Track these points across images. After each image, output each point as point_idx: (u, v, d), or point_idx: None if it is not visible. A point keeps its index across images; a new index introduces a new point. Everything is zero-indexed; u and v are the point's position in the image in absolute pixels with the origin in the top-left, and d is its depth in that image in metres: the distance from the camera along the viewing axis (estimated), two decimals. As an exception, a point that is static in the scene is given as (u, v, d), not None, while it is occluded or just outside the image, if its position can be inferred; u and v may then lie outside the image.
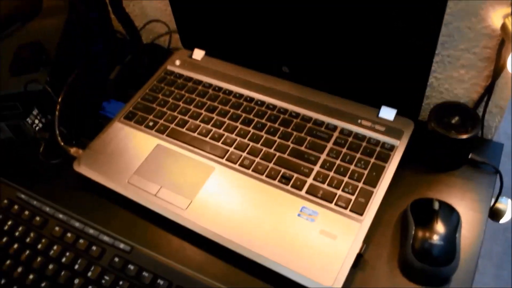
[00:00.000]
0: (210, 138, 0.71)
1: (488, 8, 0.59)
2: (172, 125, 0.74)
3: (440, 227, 0.59)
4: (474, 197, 0.66)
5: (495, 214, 0.75)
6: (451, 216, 0.61)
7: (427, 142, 0.69)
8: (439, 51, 0.66)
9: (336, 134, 0.70)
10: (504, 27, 0.58)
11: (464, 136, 0.64)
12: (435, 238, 0.58)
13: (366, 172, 0.65)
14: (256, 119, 0.73)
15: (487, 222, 0.65)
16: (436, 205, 0.61)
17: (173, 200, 0.65)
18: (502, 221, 0.77)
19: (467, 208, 0.65)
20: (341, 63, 0.69)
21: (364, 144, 0.68)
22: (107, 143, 0.73)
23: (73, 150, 0.73)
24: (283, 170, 0.66)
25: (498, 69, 0.64)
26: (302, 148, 0.68)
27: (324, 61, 0.71)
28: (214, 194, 0.65)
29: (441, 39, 0.65)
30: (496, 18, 0.60)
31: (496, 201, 0.72)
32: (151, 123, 0.75)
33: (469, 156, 0.68)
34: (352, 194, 0.63)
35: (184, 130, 0.73)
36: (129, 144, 0.72)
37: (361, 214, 0.61)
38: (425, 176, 0.69)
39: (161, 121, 0.75)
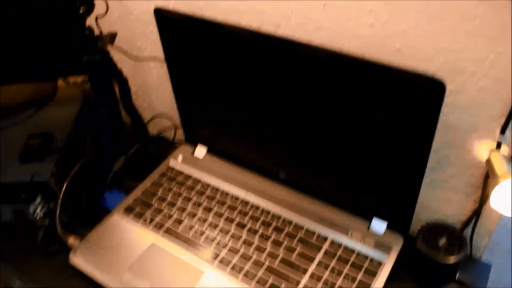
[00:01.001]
0: (203, 241, 0.73)
1: (474, 142, 0.63)
2: (168, 224, 0.76)
3: None
4: (460, 320, 0.66)
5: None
6: None
7: (415, 259, 0.70)
8: (428, 174, 0.69)
9: (326, 245, 0.71)
10: (488, 161, 0.61)
11: (451, 261, 0.65)
12: None
13: (354, 286, 0.66)
14: (249, 224, 0.75)
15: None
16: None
17: (161, 303, 0.66)
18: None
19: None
20: (335, 175, 0.72)
21: (353, 257, 0.69)
22: (104, 235, 0.75)
23: (70, 241, 0.75)
24: (272, 279, 0.68)
25: (484, 196, 0.66)
26: (293, 257, 0.70)
27: (320, 172, 0.74)
28: (202, 299, 0.66)
29: (431, 163, 0.68)
30: (482, 150, 0.63)
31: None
32: (148, 220, 0.77)
33: (456, 277, 0.69)
34: (338, 310, 0.64)
35: (179, 230, 0.75)
36: (125, 239, 0.74)
37: (346, 333, 0.62)
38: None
39: (158, 219, 0.77)
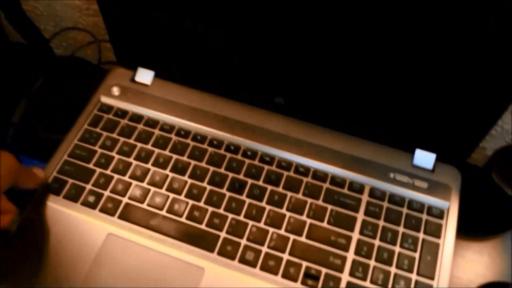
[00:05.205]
0: (187, 219, 0.48)
1: None
2: (125, 199, 0.49)
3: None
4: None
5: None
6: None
7: (478, 196, 0.52)
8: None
9: (365, 197, 0.50)
10: None
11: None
12: None
13: (417, 255, 0.47)
14: (250, 182, 0.51)
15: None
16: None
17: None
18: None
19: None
20: (367, 90, 0.49)
21: (405, 210, 0.49)
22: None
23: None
24: (305, 264, 0.46)
25: None
26: (324, 224, 0.48)
27: (340, 87, 0.50)
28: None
29: None
30: None
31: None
32: (91, 198, 0.50)
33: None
34: (407, 293, 0.45)
35: (145, 206, 0.49)
36: (61, 238, 0.47)
37: (426, 326, 0.44)
38: (476, 243, 0.53)
39: (107, 193, 0.50)
